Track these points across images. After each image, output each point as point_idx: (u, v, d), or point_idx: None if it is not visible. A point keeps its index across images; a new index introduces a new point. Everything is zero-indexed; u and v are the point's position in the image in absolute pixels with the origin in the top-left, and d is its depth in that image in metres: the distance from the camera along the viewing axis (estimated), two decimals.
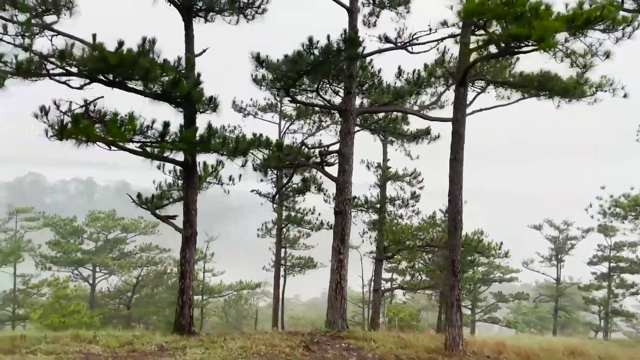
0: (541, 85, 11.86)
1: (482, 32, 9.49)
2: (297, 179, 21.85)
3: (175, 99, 9.09)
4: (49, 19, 8.93)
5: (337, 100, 13.72)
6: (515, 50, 8.91)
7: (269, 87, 11.89)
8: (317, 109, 16.48)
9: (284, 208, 24.64)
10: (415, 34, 12.10)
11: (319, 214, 25.13)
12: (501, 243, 23.20)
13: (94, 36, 7.79)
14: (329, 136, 22.71)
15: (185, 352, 8.02)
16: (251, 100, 25.91)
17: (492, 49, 9.67)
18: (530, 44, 8.07)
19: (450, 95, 15.24)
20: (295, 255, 26.92)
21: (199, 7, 10.57)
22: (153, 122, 8.79)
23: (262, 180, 22.19)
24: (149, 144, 9.53)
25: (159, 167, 12.13)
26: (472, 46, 10.50)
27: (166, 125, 8.64)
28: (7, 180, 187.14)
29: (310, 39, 10.26)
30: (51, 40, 9.14)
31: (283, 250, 26.68)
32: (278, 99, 24.81)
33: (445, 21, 10.98)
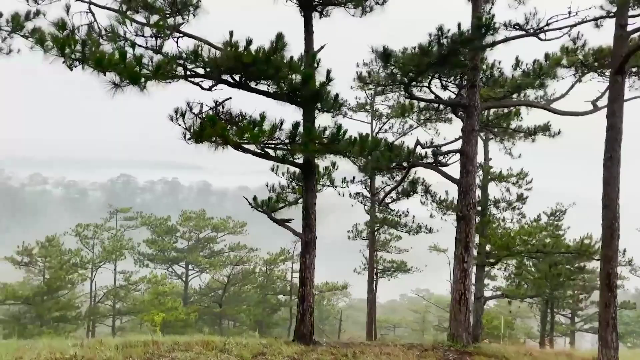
0: None
1: None
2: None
3: (301, 98, 8.61)
4: (175, 20, 8.78)
5: (444, 95, 12.75)
6: None
7: (384, 83, 11.16)
8: (419, 104, 15.50)
9: (377, 210, 23.88)
10: (550, 19, 10.86)
11: (413, 216, 24.12)
12: (624, 250, 20.94)
13: (231, 33, 7.46)
14: (426, 134, 21.72)
15: None
16: (341, 99, 25.38)
17: None
18: None
19: (579, 87, 13.68)
20: (387, 258, 26.05)
21: (319, 1, 10.08)
22: (282, 122, 8.38)
23: (360, 182, 21.59)
24: (272, 145, 9.16)
25: (272, 170, 11.84)
26: (629, 28, 9.16)
27: (296, 126, 8.18)
28: (101, 182, 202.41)
29: (441, 28, 9.42)
30: (177, 41, 9.02)
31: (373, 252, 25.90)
32: (370, 98, 24.13)
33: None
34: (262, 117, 8.07)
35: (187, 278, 40.21)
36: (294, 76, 8.55)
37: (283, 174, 11.90)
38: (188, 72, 8.09)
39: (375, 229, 23.87)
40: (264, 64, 7.64)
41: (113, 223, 40.37)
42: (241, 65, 7.68)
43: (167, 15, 8.81)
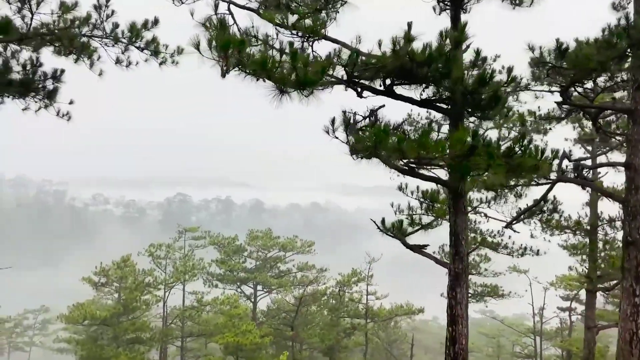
0: None
1: None
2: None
3: (473, 103, 7.23)
4: (321, 18, 7.67)
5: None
6: None
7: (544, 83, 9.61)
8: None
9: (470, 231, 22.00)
10: None
11: (509, 236, 22.07)
12: None
13: (410, 24, 6.23)
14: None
15: None
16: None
17: None
18: None
19: None
20: (478, 282, 24.04)
21: None
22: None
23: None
24: (426, 160, 7.79)
25: (400, 189, 10.49)
26: None
27: (475, 135, 6.78)
28: (158, 201, 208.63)
29: (626, 16, 7.84)
30: (312, 45, 7.90)
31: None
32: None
33: None
34: (431, 127, 6.74)
35: (255, 299, 39.39)
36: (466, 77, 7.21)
37: (412, 193, 10.52)
38: (343, 78, 6.91)
39: (471, 249, 21.96)
40: (440, 62, 6.33)
41: (181, 242, 40.24)
42: (412, 64, 6.40)
43: (308, 15, 7.70)
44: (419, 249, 9.77)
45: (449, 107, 8.23)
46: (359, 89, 7.25)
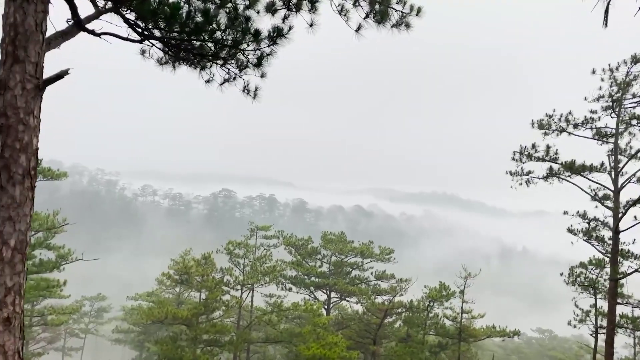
0: None
1: None
2: None
3: None
4: None
5: None
6: None
7: None
8: None
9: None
10: None
11: None
12: None
13: None
14: None
15: None
16: (559, 114, 21.25)
17: None
18: None
19: None
20: (625, 311, 20.94)
21: None
22: None
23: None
24: None
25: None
26: None
27: None
28: (204, 195, 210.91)
29: None
30: None
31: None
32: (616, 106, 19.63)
33: None
34: None
35: (329, 305, 37.31)
36: None
37: None
38: None
39: (619, 276, 19.02)
40: None
41: (253, 241, 38.59)
42: None
43: None
44: None
45: None
46: None
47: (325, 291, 37.46)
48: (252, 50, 7.23)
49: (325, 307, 36.87)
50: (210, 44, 6.97)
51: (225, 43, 6.93)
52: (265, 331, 34.33)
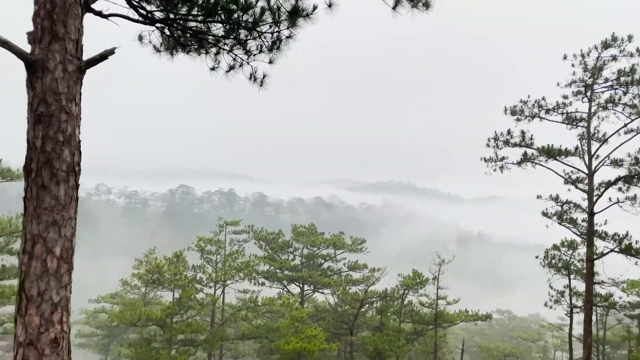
0: None
1: None
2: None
3: None
4: None
5: None
6: None
7: None
8: None
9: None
10: None
11: (630, 236, 19.92)
12: None
13: None
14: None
15: None
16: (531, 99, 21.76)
17: None
18: None
19: None
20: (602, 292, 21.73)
21: None
22: None
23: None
24: None
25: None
26: None
27: None
28: (161, 192, 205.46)
29: None
30: None
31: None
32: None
33: None
34: None
35: (302, 298, 37.02)
36: None
37: None
38: None
39: (596, 257, 19.68)
40: None
41: (222, 237, 37.73)
42: None
43: None
44: None
45: None
46: None
47: (298, 284, 37.18)
48: (269, 33, 6.74)
49: (300, 300, 36.59)
50: (227, 26, 6.44)
51: (246, 25, 6.42)
52: (240, 327, 33.68)
